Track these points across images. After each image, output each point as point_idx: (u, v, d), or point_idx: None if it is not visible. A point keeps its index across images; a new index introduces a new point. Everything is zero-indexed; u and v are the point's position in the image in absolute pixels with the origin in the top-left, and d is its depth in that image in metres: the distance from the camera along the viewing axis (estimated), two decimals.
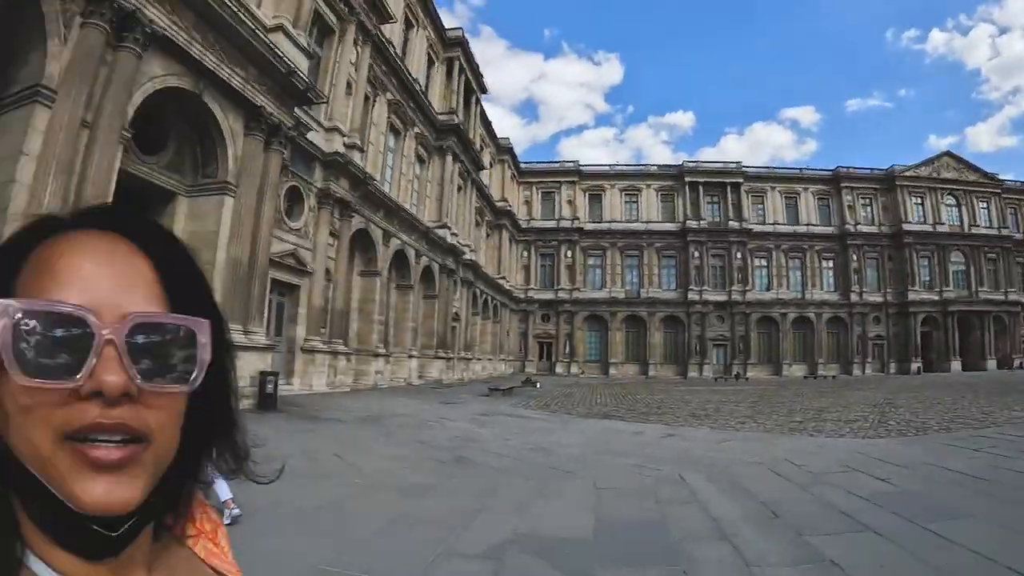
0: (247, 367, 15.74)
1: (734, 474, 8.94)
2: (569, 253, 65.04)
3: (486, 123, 51.80)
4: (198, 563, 0.74)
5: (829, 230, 64.57)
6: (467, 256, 42.37)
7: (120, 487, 0.55)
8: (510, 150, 59.89)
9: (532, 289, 64.44)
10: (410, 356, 33.63)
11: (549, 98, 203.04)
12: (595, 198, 67.56)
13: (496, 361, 54.54)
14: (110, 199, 12.05)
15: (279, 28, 17.76)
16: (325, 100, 22.51)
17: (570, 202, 66.27)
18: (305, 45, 19.32)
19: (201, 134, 16.48)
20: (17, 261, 0.60)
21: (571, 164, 68.59)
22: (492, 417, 17.50)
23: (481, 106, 47.47)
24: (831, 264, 65.02)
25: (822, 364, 60.87)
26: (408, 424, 14.94)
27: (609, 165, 70.49)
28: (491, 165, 55.47)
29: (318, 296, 23.32)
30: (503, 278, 56.39)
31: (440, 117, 38.13)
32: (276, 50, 16.97)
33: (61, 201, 11.33)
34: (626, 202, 67.39)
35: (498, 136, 57.02)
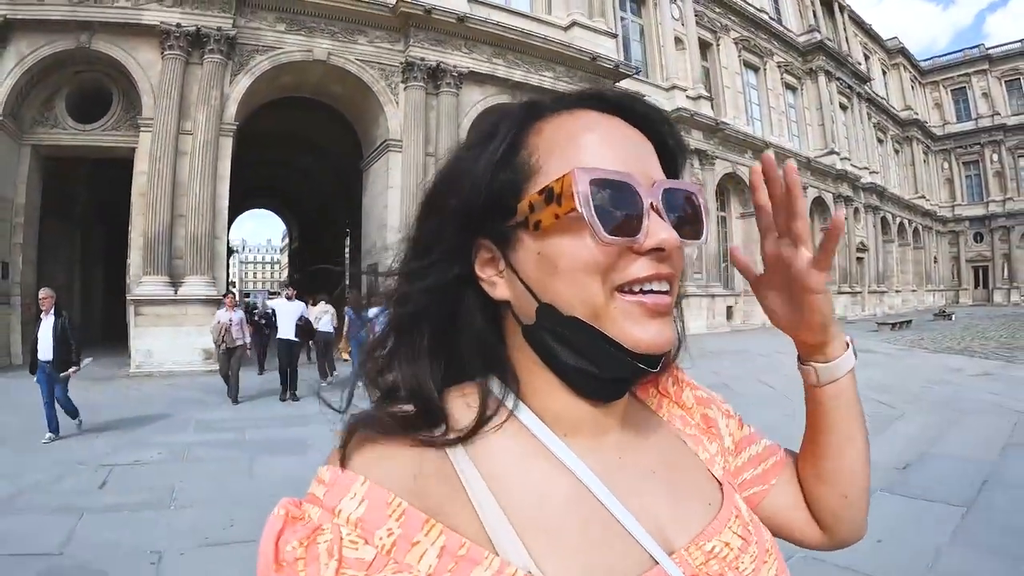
0: None
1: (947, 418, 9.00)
2: (995, 157, 55.15)
3: (863, 29, 48.32)
4: (659, 420, 0.85)
5: None
6: (866, 180, 40.71)
7: (666, 328, 0.66)
8: (902, 51, 54.08)
9: (959, 205, 56.87)
10: None
11: None
12: (1013, 84, 55.28)
13: (921, 292, 50.49)
14: None
15: (573, 24, 21.24)
16: (638, 69, 24.97)
17: (985, 95, 55.86)
18: (606, 28, 22.36)
19: None
20: (519, 140, 0.70)
21: (975, 50, 57.59)
22: None
23: (848, 13, 44.64)
24: None
25: None
26: (730, 360, 16.41)
27: (1020, 40, 56.25)
28: (884, 73, 51.41)
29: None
30: (921, 197, 51.70)
31: (800, 39, 37.49)
32: (572, 45, 20.45)
33: None
34: None
35: (883, 38, 52.17)
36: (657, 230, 0.64)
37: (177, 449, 7.49)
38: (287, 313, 12.02)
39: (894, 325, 28.46)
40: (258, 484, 6.26)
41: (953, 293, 56.48)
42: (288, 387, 11.38)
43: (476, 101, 18.54)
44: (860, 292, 39.23)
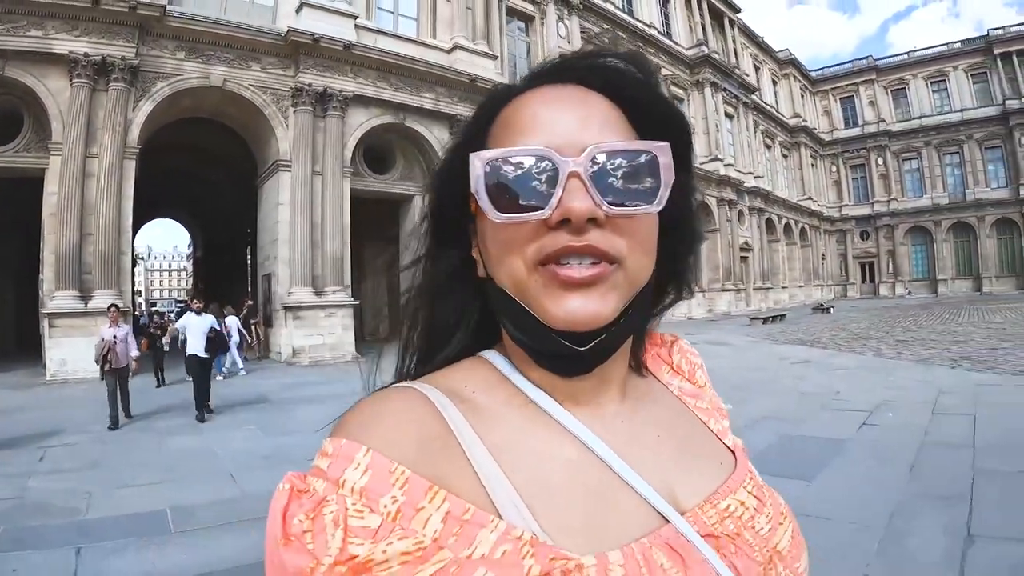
0: None
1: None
2: (880, 161, 61.89)
3: (755, 41, 52.98)
4: (671, 397, 0.85)
5: None
6: (750, 184, 44.75)
7: (590, 303, 0.63)
8: (792, 62, 59.60)
9: (846, 206, 63.30)
10: None
11: None
12: (898, 93, 62.46)
13: (809, 288, 55.72)
14: (345, 218, 20.31)
15: (456, 47, 24.01)
16: None
17: (872, 103, 62.73)
18: (487, 51, 25.20)
19: (420, 148, 23.46)
20: (485, 128, 0.73)
21: (864, 60, 64.88)
22: None
23: (739, 27, 48.97)
24: None
25: None
26: None
27: (906, 52, 64.08)
28: (775, 83, 56.38)
29: None
30: (808, 199, 57.09)
31: (688, 52, 41.11)
32: (452, 68, 23.20)
33: (310, 227, 19.46)
34: (933, 91, 60.80)
35: (775, 50, 57.39)
36: (567, 200, 0.62)
37: (97, 435, 9.42)
38: (197, 328, 11.63)
39: (766, 319, 31.13)
40: (163, 455, 8.35)
41: (841, 287, 62.70)
42: (203, 407, 10.89)
43: (361, 122, 21.06)
44: (744, 289, 43.07)
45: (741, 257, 43.11)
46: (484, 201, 0.63)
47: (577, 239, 0.62)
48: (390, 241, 26.60)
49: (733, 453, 0.81)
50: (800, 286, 54.10)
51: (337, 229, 20.41)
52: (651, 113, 0.72)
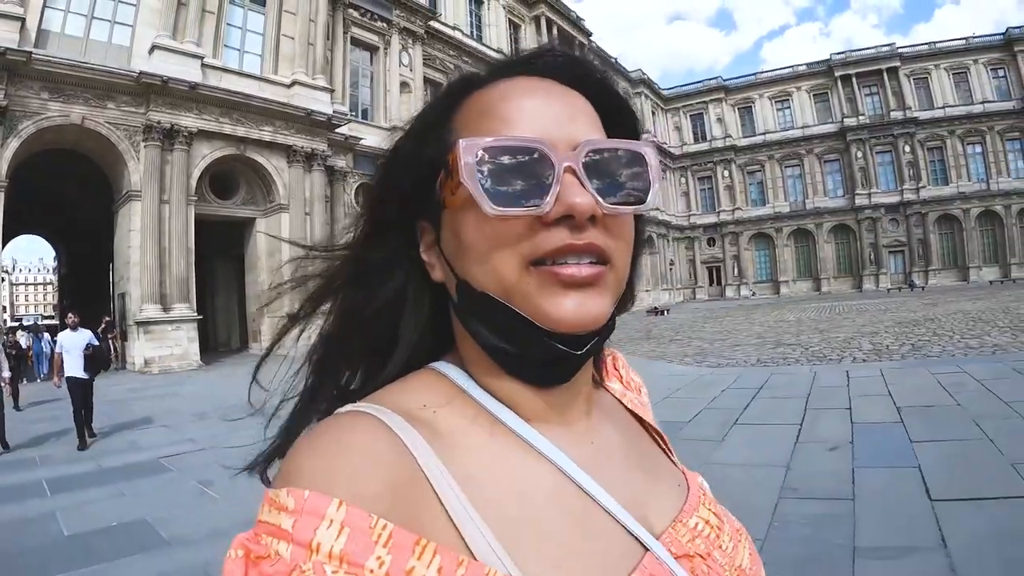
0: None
1: None
2: (726, 173, 70.71)
3: (608, 63, 59.16)
4: (624, 411, 0.86)
5: (1010, 105, 61.07)
6: None
7: (590, 302, 0.62)
8: (645, 81, 67.24)
9: (694, 215, 71.65)
10: None
11: (743, 2, 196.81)
12: (745, 111, 71.58)
13: (657, 291, 62.61)
14: (190, 242, 24.29)
15: (295, 83, 28.24)
16: (349, 119, 31.72)
17: (720, 120, 71.32)
18: (324, 85, 29.49)
19: (260, 175, 28.03)
20: (446, 116, 0.71)
21: (714, 80, 73.51)
22: None
23: (590, 50, 55.07)
24: (1020, 147, 61.55)
25: (1017, 265, 59.64)
26: None
27: (753, 74, 73.53)
28: None
29: None
30: (657, 210, 63.52)
31: None
32: (289, 103, 27.53)
33: (158, 251, 23.39)
34: (778, 109, 70.16)
35: (628, 71, 64.80)
36: (567, 195, 0.61)
37: None
38: (74, 346, 10.66)
39: None
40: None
41: (691, 290, 71.29)
42: (86, 430, 10.19)
43: (205, 154, 25.02)
44: None
45: None
46: (477, 191, 0.61)
47: (578, 237, 0.62)
48: (238, 259, 30.39)
49: (683, 473, 0.84)
50: (647, 291, 60.40)
51: (182, 252, 23.86)
52: (616, 113, 0.74)
